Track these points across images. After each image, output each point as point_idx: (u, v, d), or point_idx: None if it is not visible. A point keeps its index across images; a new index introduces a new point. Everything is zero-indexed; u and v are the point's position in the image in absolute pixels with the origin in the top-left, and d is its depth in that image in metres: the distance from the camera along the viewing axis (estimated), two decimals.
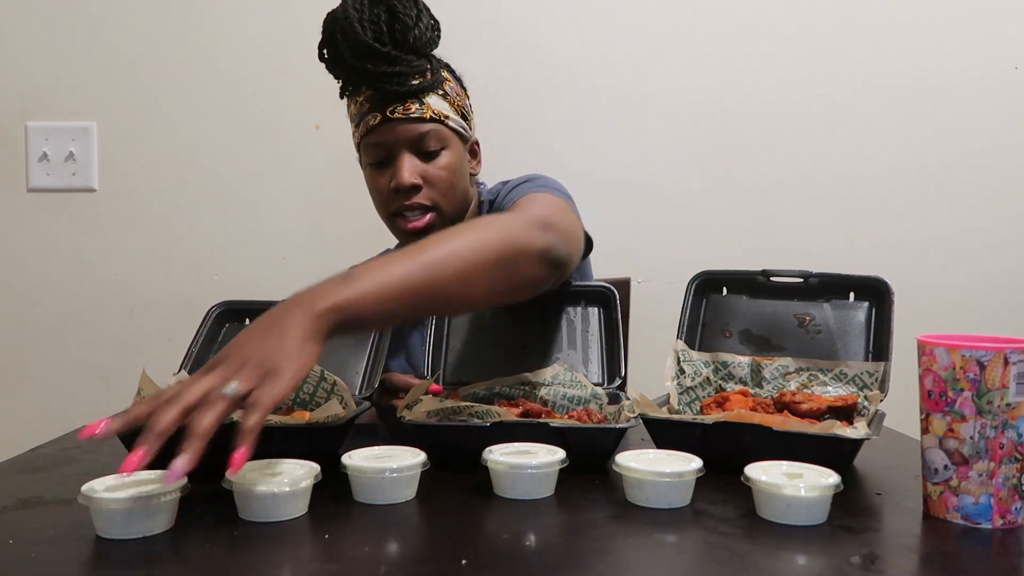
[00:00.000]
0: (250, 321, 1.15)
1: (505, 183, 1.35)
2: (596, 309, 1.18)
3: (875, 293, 1.07)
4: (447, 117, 1.21)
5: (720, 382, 1.07)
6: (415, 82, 1.17)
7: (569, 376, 1.05)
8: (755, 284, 1.14)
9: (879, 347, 1.05)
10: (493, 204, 1.32)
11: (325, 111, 1.80)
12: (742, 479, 0.74)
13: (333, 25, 1.16)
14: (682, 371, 1.07)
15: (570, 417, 0.95)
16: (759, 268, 1.15)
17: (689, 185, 1.83)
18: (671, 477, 0.76)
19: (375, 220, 1.78)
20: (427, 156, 1.21)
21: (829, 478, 0.73)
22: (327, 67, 1.23)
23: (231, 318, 1.17)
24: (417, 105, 1.18)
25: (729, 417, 0.89)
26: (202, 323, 1.14)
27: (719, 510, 0.75)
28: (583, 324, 1.17)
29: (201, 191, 1.81)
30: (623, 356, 1.12)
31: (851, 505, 0.76)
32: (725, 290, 1.15)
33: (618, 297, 1.16)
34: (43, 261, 1.81)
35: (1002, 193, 1.82)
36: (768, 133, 1.81)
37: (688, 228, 1.83)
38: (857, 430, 0.85)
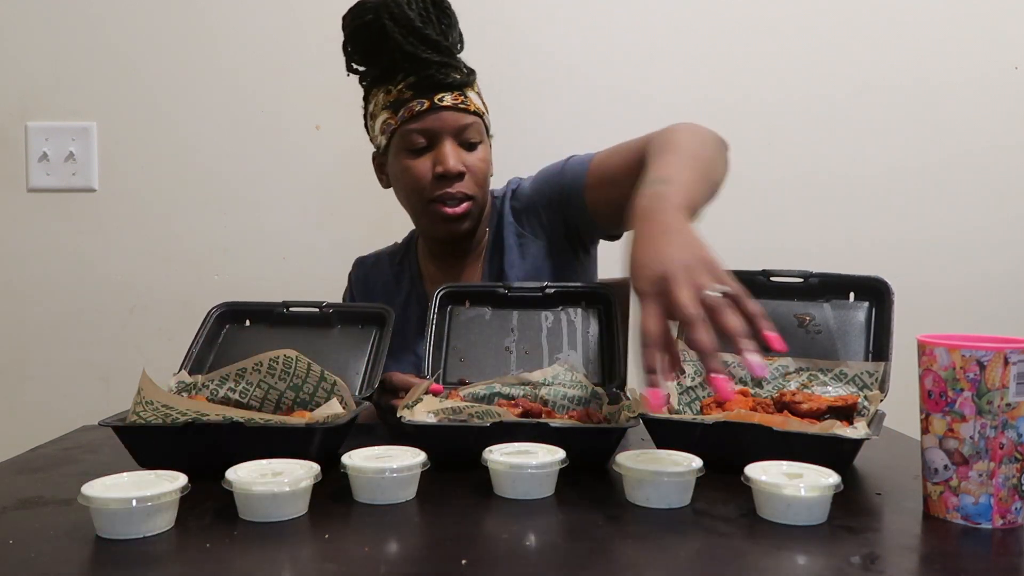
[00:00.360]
0: (250, 323, 1.16)
1: (520, 180, 1.37)
2: (596, 310, 1.18)
3: (875, 293, 1.07)
4: (483, 113, 1.26)
5: None
6: (457, 76, 1.21)
7: (569, 376, 1.05)
8: (755, 284, 1.14)
9: (879, 347, 1.05)
10: (516, 195, 1.35)
11: (325, 111, 1.80)
12: (742, 479, 0.74)
13: (376, 10, 1.18)
14: (682, 371, 1.07)
15: (570, 417, 0.95)
16: (759, 268, 1.15)
17: None
18: (671, 477, 0.76)
19: (375, 220, 1.78)
20: (467, 147, 1.24)
21: (829, 478, 0.73)
22: (354, 56, 1.26)
23: (232, 319, 1.17)
24: (462, 97, 1.22)
25: (729, 417, 0.89)
26: (203, 324, 1.14)
27: (719, 510, 0.75)
28: (583, 325, 1.17)
29: (201, 191, 1.81)
30: (623, 356, 1.12)
31: (851, 505, 0.76)
32: None
33: (616, 299, 1.17)
34: (43, 261, 1.81)
35: (1002, 193, 1.82)
36: (768, 133, 1.81)
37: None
38: (857, 430, 0.85)
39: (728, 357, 1.08)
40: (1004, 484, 0.71)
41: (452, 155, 1.21)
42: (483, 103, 1.28)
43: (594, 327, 1.17)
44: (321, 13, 1.80)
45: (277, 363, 0.98)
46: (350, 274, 1.46)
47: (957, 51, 1.80)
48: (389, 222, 1.77)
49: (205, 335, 1.13)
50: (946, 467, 0.72)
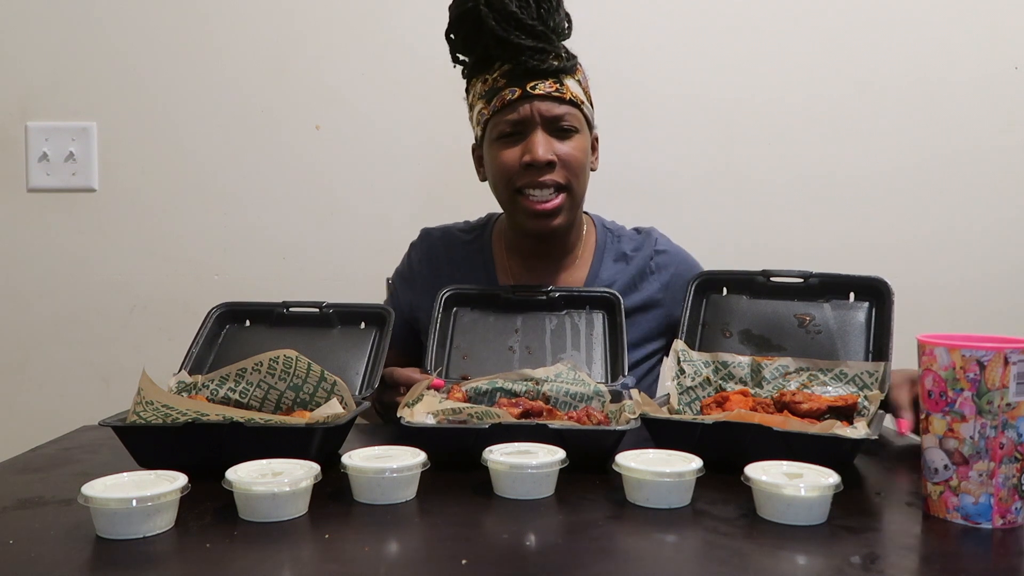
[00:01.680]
0: (250, 323, 1.16)
1: (641, 232, 1.39)
2: (600, 314, 1.19)
3: (875, 293, 1.08)
4: (582, 102, 1.23)
5: (720, 382, 1.07)
6: (555, 62, 1.18)
7: (572, 375, 1.05)
8: (755, 284, 1.14)
9: (879, 347, 1.05)
10: (660, 249, 1.36)
11: (325, 111, 1.80)
12: (742, 479, 0.74)
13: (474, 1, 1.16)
14: (682, 371, 1.07)
15: (570, 418, 0.95)
16: (760, 268, 1.15)
17: (690, 185, 1.83)
18: (671, 477, 0.76)
19: (374, 220, 1.78)
20: (560, 137, 1.21)
21: (829, 478, 0.73)
22: (455, 48, 1.22)
23: (231, 319, 1.17)
24: (557, 85, 1.19)
25: (729, 417, 0.89)
26: (203, 324, 1.14)
27: (719, 510, 0.75)
28: (587, 328, 1.18)
29: (201, 191, 1.81)
30: (626, 357, 1.12)
31: (851, 505, 0.76)
32: (725, 290, 1.15)
33: (622, 302, 1.17)
34: (43, 261, 1.80)
35: (1002, 193, 1.82)
36: (769, 132, 1.81)
37: (691, 228, 1.82)
38: (857, 430, 0.85)
39: (727, 357, 1.08)
40: (1004, 484, 0.71)
41: (542, 144, 1.18)
42: (584, 92, 1.24)
43: (599, 329, 1.17)
44: (321, 14, 1.80)
45: (277, 363, 0.98)
46: (413, 243, 1.42)
47: (957, 51, 1.80)
48: (389, 222, 1.77)
49: (205, 335, 1.13)
50: (946, 467, 0.72)
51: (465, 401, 1.02)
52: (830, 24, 1.80)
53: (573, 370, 1.06)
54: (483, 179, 1.31)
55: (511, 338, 1.17)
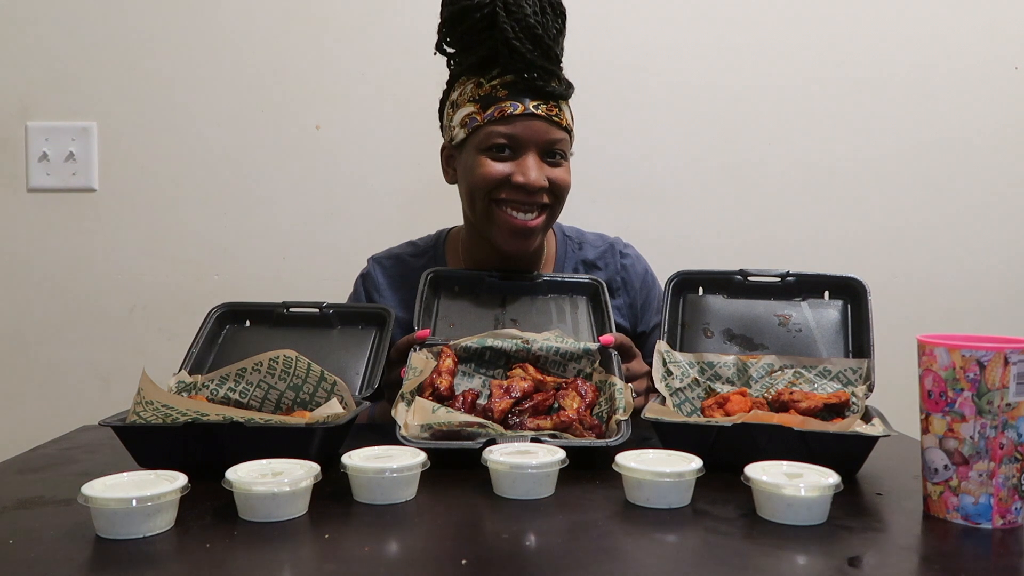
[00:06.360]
0: (250, 323, 1.16)
1: (604, 240, 1.40)
2: (584, 298, 1.20)
3: (850, 292, 1.09)
4: (572, 131, 1.21)
5: (708, 383, 1.07)
6: (556, 86, 1.16)
7: (561, 339, 1.07)
8: (732, 284, 1.14)
9: (859, 344, 1.05)
10: (628, 258, 1.38)
11: (325, 111, 1.80)
12: (742, 479, 0.74)
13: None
14: (669, 372, 1.07)
15: (562, 394, 0.97)
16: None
17: (688, 184, 1.83)
18: (671, 477, 0.76)
19: (374, 220, 1.78)
20: (550, 162, 1.18)
21: (829, 478, 0.73)
22: (449, 37, 1.18)
23: (232, 319, 1.17)
24: (556, 109, 1.16)
25: (747, 419, 0.89)
26: (203, 324, 1.14)
27: (719, 510, 0.75)
28: (571, 308, 1.19)
29: (201, 191, 1.81)
30: (613, 328, 1.13)
31: (851, 505, 0.77)
32: (701, 290, 1.15)
33: (604, 286, 1.18)
34: (43, 261, 1.80)
35: (1002, 193, 1.82)
36: (771, 132, 1.81)
37: (688, 228, 1.83)
38: (875, 427, 0.86)
39: (712, 357, 1.08)
40: (1004, 484, 0.71)
41: (535, 168, 1.15)
42: (572, 120, 1.22)
43: (583, 308, 1.19)
44: (320, 14, 1.80)
45: (277, 363, 0.98)
46: (364, 272, 1.37)
47: (957, 51, 1.80)
48: (389, 222, 1.77)
49: (205, 335, 1.13)
50: (946, 467, 0.72)
51: (455, 362, 1.03)
52: (829, 24, 1.80)
53: (561, 337, 1.08)
54: (451, 181, 1.27)
55: (497, 312, 1.18)
